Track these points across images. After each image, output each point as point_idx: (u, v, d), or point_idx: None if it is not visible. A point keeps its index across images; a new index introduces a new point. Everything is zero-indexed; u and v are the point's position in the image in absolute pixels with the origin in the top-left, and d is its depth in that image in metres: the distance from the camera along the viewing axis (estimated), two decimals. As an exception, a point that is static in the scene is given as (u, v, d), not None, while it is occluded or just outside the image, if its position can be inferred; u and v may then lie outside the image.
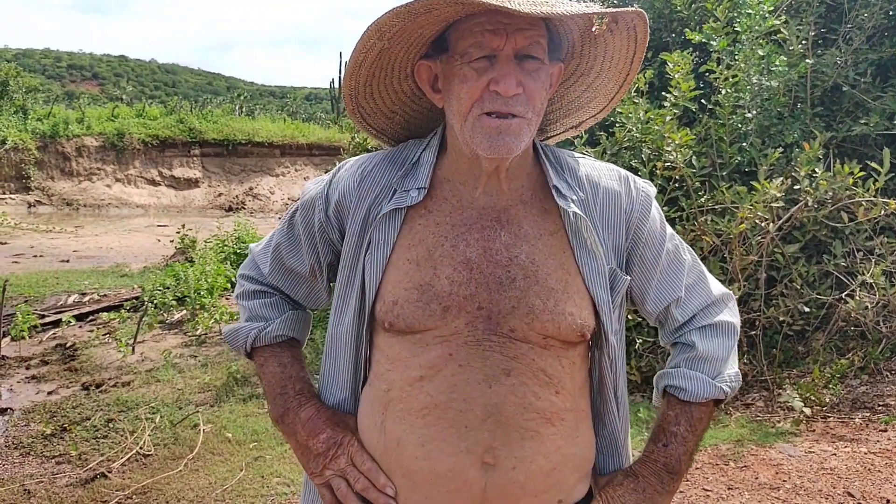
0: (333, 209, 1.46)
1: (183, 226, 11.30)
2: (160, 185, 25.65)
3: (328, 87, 33.63)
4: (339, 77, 31.65)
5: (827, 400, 4.57)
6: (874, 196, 4.58)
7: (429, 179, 1.41)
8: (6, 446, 4.90)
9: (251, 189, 26.73)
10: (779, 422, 4.49)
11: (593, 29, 1.35)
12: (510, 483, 1.34)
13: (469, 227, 1.38)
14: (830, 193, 4.72)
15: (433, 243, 1.37)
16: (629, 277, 1.45)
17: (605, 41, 1.41)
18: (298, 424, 1.44)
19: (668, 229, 1.52)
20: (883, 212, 4.56)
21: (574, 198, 1.40)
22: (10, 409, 5.62)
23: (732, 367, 1.50)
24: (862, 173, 4.62)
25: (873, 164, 4.55)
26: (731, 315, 1.53)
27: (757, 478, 3.81)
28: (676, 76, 5.03)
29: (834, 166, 4.76)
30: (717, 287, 1.55)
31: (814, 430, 4.33)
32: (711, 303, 1.53)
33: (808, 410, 4.45)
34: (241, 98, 36.77)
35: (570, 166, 1.47)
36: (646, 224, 1.47)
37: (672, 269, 1.50)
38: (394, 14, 1.25)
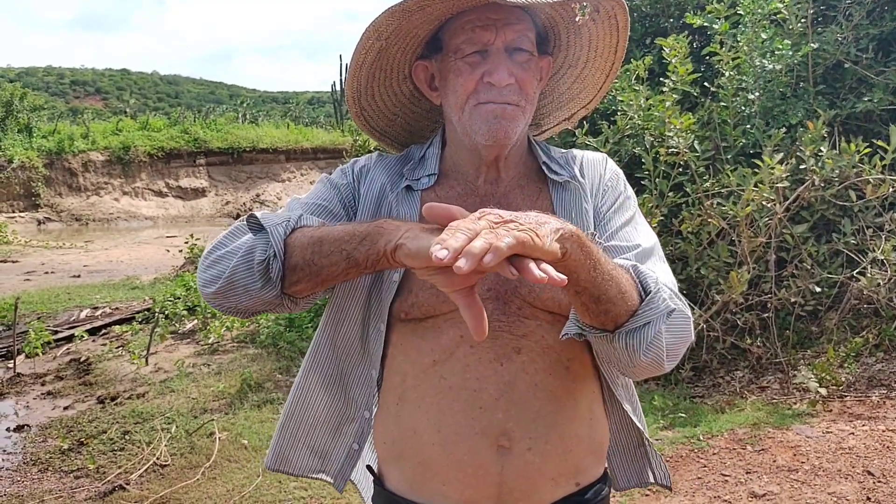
0: (357, 173, 1.50)
1: (191, 235, 11.31)
2: (167, 196, 25.73)
3: (330, 90, 33.64)
4: (341, 80, 31.66)
5: (843, 379, 4.54)
6: (881, 173, 4.54)
7: (437, 166, 1.48)
8: (24, 463, 4.92)
9: (258, 196, 26.77)
10: (795, 403, 4.47)
11: (577, 20, 1.41)
12: (526, 465, 1.35)
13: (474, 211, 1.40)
14: (837, 172, 4.69)
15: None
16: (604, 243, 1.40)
17: (588, 32, 1.47)
18: (404, 226, 1.17)
19: (633, 202, 1.51)
20: (891, 189, 4.52)
21: (563, 173, 1.48)
22: (28, 425, 5.64)
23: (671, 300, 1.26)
24: (868, 150, 4.58)
25: (879, 143, 4.51)
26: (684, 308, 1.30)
27: (775, 460, 3.79)
28: (674, 61, 5.00)
29: (840, 144, 4.73)
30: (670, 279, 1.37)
31: (831, 410, 4.30)
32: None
33: (823, 391, 4.42)
34: (244, 105, 36.82)
35: (558, 153, 1.54)
36: (612, 187, 1.49)
37: (627, 235, 1.43)
38: (389, 13, 1.32)
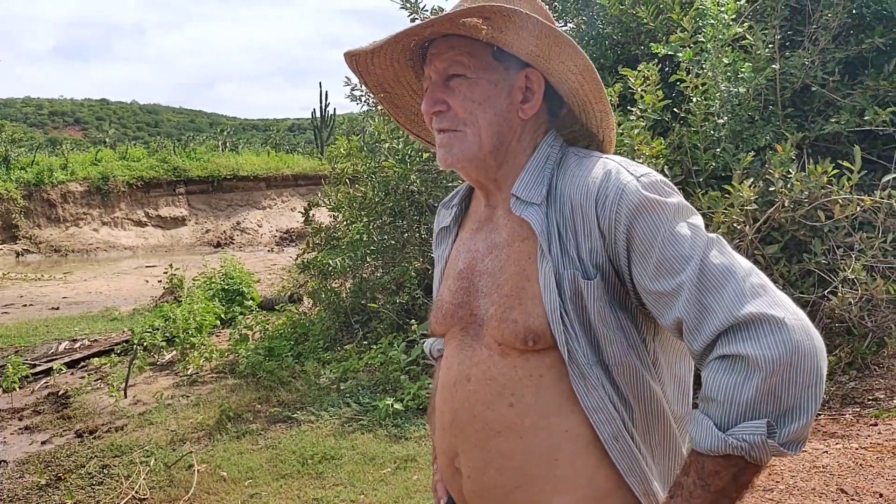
0: (439, 228, 1.68)
1: (171, 266, 11.26)
2: (147, 225, 25.60)
3: (310, 116, 33.67)
4: (321, 107, 31.73)
5: (817, 398, 4.58)
6: (849, 193, 4.62)
7: (458, 197, 1.60)
8: (1, 500, 4.86)
9: (238, 223, 26.69)
10: (770, 423, 4.50)
11: (482, 35, 1.31)
12: (471, 493, 1.42)
13: (470, 238, 1.50)
14: (806, 193, 4.77)
15: (452, 258, 1.54)
16: (593, 280, 1.27)
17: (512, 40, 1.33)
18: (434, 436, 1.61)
19: (671, 228, 1.22)
20: (859, 208, 4.61)
21: (535, 202, 1.34)
22: (4, 461, 5.58)
23: (757, 418, 1.11)
24: (835, 171, 4.66)
25: (846, 163, 4.60)
26: (757, 346, 1.11)
27: (751, 481, 3.81)
28: (639, 89, 5.08)
29: (808, 166, 4.81)
30: (759, 303, 1.13)
31: (805, 430, 4.33)
32: (736, 325, 1.14)
33: (798, 410, 4.46)
34: (225, 133, 36.79)
35: (564, 169, 1.38)
36: (621, 222, 1.25)
37: (670, 283, 1.21)
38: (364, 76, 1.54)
